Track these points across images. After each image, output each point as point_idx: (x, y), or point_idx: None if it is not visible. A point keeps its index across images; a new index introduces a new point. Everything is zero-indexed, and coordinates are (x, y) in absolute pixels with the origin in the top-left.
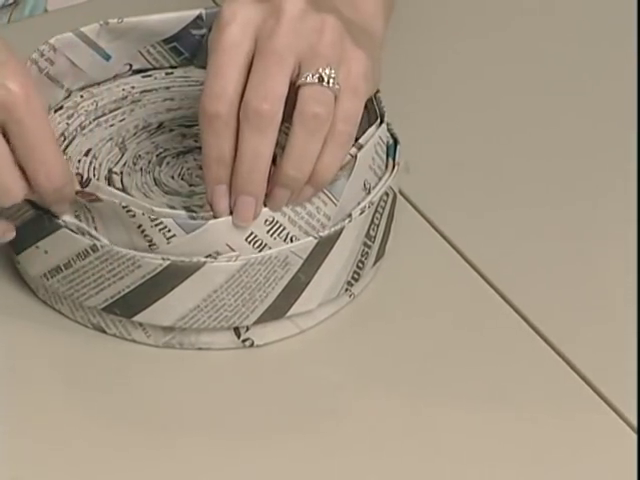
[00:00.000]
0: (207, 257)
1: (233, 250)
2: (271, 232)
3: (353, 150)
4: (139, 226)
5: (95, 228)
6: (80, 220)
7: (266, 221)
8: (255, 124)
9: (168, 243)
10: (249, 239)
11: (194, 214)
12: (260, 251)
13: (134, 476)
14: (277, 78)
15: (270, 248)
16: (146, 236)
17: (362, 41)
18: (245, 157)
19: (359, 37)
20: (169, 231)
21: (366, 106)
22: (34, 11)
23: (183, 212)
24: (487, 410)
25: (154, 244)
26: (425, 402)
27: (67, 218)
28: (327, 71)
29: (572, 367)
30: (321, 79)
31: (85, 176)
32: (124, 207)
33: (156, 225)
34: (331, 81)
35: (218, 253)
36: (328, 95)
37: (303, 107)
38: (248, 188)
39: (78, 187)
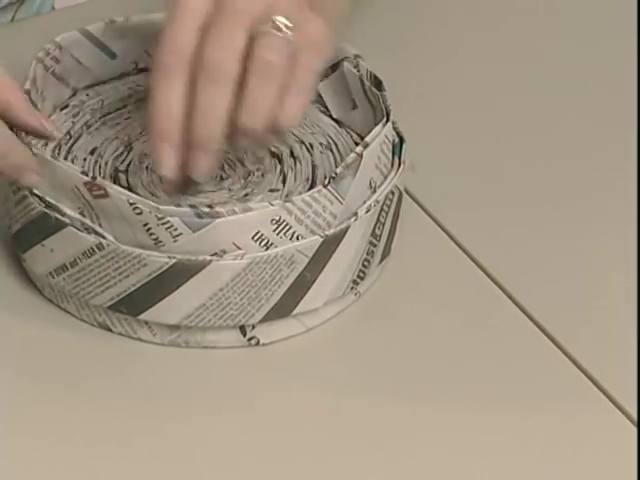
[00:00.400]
0: (213, 255)
1: (239, 248)
2: (277, 231)
3: (359, 149)
4: (145, 224)
5: (100, 225)
6: (84, 216)
7: (272, 220)
8: (210, 74)
9: (175, 241)
10: (255, 237)
11: (200, 212)
12: (266, 250)
13: (139, 474)
14: (234, 32)
15: (276, 247)
16: (152, 234)
17: (323, 8)
18: (199, 108)
19: (321, 4)
20: (175, 229)
21: (372, 104)
22: (41, 9)
23: (189, 210)
24: (493, 407)
25: (160, 242)
26: (431, 400)
27: (71, 213)
28: (282, 20)
29: (577, 365)
30: (277, 28)
31: (91, 175)
32: (131, 204)
33: (163, 224)
34: (287, 31)
35: (224, 251)
36: (282, 43)
37: (256, 55)
38: (202, 141)
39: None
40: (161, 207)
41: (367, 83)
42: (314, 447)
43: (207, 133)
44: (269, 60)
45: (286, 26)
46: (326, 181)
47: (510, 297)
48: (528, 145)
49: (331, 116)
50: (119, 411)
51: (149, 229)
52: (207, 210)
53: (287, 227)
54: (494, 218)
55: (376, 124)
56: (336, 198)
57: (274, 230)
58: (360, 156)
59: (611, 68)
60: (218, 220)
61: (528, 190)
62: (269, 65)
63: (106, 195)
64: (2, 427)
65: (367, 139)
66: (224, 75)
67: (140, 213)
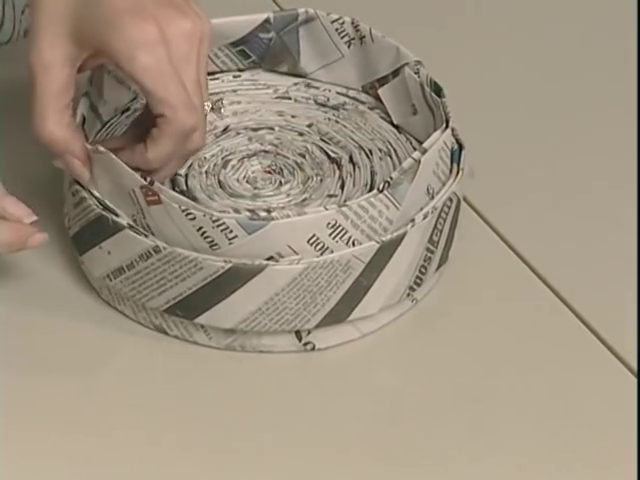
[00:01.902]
0: (269, 260)
1: (294, 251)
2: (333, 235)
3: (416, 154)
4: (199, 228)
5: (152, 234)
6: (137, 224)
7: (328, 224)
8: None
9: (230, 244)
10: (311, 241)
11: (255, 215)
12: (322, 254)
13: (191, 474)
14: None
15: (332, 251)
16: (207, 237)
17: None
18: None
19: None
20: (231, 232)
21: (432, 110)
22: None
23: (243, 215)
24: (551, 416)
25: (216, 244)
26: (487, 408)
27: (125, 221)
28: None
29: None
30: None
31: (149, 179)
32: (183, 210)
33: (218, 226)
34: None
35: (280, 254)
36: None
37: None
38: None
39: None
40: (215, 213)
41: (427, 89)
42: (368, 453)
43: None
44: None
45: None
46: (382, 186)
47: (568, 306)
48: (590, 153)
49: (391, 122)
50: (174, 414)
51: (204, 232)
52: (263, 214)
53: (343, 231)
54: (553, 226)
55: (435, 130)
56: (392, 203)
57: (330, 234)
58: (417, 162)
59: None
60: (273, 222)
61: (587, 198)
62: None
63: (159, 201)
64: (58, 428)
65: (425, 145)
66: None
67: (194, 218)
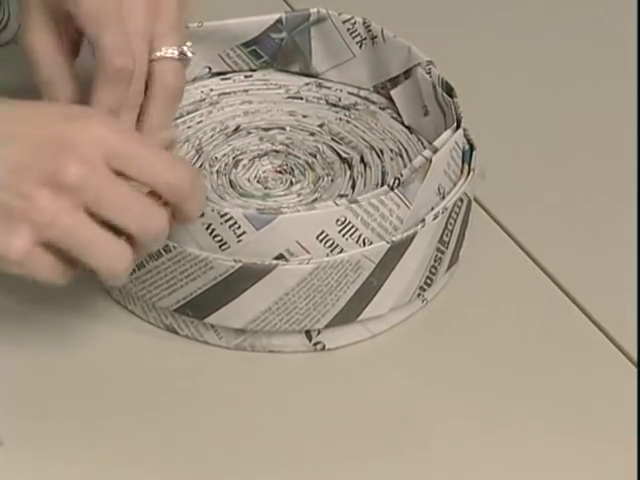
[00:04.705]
0: (279, 258)
1: (304, 248)
2: (343, 232)
3: (427, 152)
4: (208, 226)
5: None
6: None
7: (337, 220)
8: None
9: (238, 242)
10: (320, 237)
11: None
12: (331, 251)
13: (202, 477)
14: None
15: (342, 249)
16: (216, 236)
17: None
18: None
19: None
20: (239, 227)
21: (443, 111)
22: None
23: (251, 209)
24: (561, 417)
25: (225, 243)
26: (497, 408)
27: None
28: None
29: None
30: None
31: None
32: None
33: (226, 221)
34: None
35: (289, 251)
36: None
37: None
38: None
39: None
40: (223, 208)
41: (439, 89)
42: (378, 453)
43: None
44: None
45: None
46: (392, 182)
47: (578, 305)
48: (602, 153)
49: (402, 122)
50: (184, 413)
51: (213, 230)
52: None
53: (353, 229)
54: (563, 227)
55: (446, 129)
56: (403, 202)
57: (339, 231)
58: (429, 161)
59: None
60: (281, 216)
61: (598, 199)
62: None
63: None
64: (66, 427)
65: (436, 143)
66: None
67: (202, 215)
